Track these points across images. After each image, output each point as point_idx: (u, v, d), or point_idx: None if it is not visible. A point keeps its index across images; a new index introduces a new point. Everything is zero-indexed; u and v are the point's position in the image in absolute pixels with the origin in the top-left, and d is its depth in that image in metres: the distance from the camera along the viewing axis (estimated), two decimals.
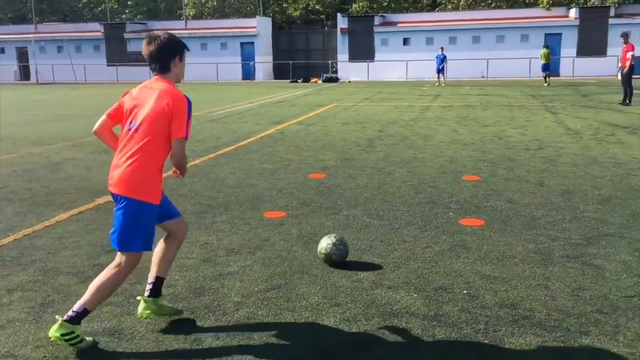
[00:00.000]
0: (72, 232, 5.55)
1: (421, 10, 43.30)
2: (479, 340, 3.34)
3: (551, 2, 38.43)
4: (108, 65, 43.27)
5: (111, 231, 3.43)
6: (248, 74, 41.11)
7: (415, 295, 3.97)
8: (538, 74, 35.92)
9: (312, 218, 5.91)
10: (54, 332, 3.26)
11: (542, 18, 37.62)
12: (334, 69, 39.91)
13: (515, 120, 13.64)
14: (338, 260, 4.53)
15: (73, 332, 3.25)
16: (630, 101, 17.11)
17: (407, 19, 39.75)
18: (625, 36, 17.57)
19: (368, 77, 37.63)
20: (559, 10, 38.16)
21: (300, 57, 42.52)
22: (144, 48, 3.42)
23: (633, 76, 17.44)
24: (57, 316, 3.35)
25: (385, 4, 45.30)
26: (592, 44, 36.02)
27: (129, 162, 3.31)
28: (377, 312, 3.72)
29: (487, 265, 4.51)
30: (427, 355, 3.22)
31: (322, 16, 50.12)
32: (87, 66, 42.63)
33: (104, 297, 3.42)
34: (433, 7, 44.48)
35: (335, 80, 36.21)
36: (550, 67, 28.49)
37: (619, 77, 18.70)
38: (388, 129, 12.64)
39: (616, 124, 12.66)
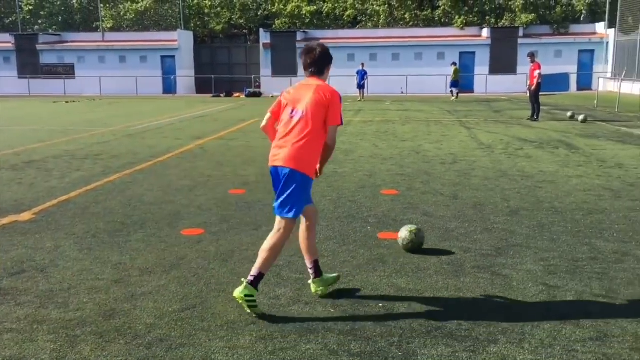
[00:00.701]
0: None
1: (342, 27, 44.02)
2: (394, 353, 3.39)
3: (465, 22, 40.10)
4: (19, 78, 41.33)
5: (276, 201, 4.09)
6: (169, 87, 40.39)
7: (332, 310, 3.99)
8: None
9: (231, 235, 5.84)
10: (239, 292, 3.86)
11: (457, 37, 39.17)
12: (257, 84, 39.88)
13: (432, 135, 14.07)
14: (418, 243, 5.17)
15: (252, 296, 3.87)
16: (537, 117, 18.04)
17: (329, 36, 40.31)
18: (532, 55, 18.53)
19: None
20: (472, 30, 39.85)
21: (222, 72, 42.22)
22: (305, 56, 4.14)
23: (540, 93, 18.42)
24: (242, 279, 3.97)
25: (307, 20, 45.79)
26: (503, 62, 37.81)
27: (298, 143, 3.97)
28: (294, 329, 3.70)
29: (403, 278, 4.60)
30: None
31: (245, 31, 50.08)
32: None
33: (272, 259, 4.07)
34: (354, 24, 45.34)
35: (259, 95, 36.16)
36: (459, 84, 29.88)
37: (527, 94, 19.68)
38: None
39: (525, 139, 13.30)
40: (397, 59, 38.45)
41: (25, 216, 6.59)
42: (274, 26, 44.19)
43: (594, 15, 40.76)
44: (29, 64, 41.28)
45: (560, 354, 3.36)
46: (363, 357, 3.36)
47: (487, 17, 41.45)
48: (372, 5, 43.29)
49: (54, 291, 4.35)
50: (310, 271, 4.27)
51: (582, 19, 40.98)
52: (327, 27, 44.51)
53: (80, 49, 40.77)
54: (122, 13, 45.33)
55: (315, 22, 45.57)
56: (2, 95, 38.49)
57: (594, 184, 8.21)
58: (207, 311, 3.99)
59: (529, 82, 18.71)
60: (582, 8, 40.01)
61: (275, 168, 4.07)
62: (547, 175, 8.85)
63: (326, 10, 45.49)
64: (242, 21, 48.03)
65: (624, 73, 30.60)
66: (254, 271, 3.99)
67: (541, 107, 18.50)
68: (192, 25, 46.21)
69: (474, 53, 38.37)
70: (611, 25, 37.47)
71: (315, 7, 45.81)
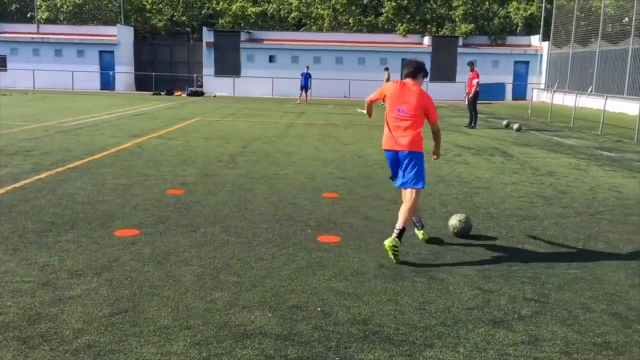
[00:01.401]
0: None
1: (287, 29, 43.97)
2: (331, 358, 3.35)
3: (407, 29, 40.79)
4: None
5: (402, 177, 5.52)
6: (107, 83, 39.26)
7: (269, 315, 3.92)
8: None
9: (167, 236, 5.69)
10: (389, 242, 5.05)
11: (399, 44, 39.77)
12: (199, 83, 39.30)
13: (374, 140, 14.19)
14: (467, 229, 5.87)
15: (397, 247, 5.05)
16: (475, 125, 18.50)
17: (274, 37, 40.19)
18: (472, 64, 19.01)
19: (234, 93, 37.47)
20: (414, 38, 40.57)
21: (163, 69, 41.39)
22: (408, 65, 5.72)
23: (478, 101, 18.91)
24: (395, 230, 5.15)
25: (252, 20, 45.48)
26: (443, 70, 38.61)
27: (411, 132, 5.46)
28: (230, 334, 3.62)
29: (342, 282, 4.58)
30: None
31: (188, 29, 49.27)
32: None
33: (410, 218, 5.41)
34: (298, 27, 45.37)
35: (201, 94, 35.63)
36: None
37: (465, 102, 20.15)
38: (251, 145, 12.60)
39: (463, 145, 13.60)
40: (340, 62, 38.69)
41: None
42: (217, 25, 43.67)
43: (530, 28, 42.22)
44: None
45: (493, 358, 3.41)
46: None
47: (429, 26, 42.30)
48: (317, 8, 43.43)
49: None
50: (417, 224, 5.83)
51: (518, 31, 42.39)
52: (272, 28, 44.36)
53: (12, 40, 39.09)
54: (59, 4, 43.71)
55: (259, 23, 45.31)
56: None
57: (528, 190, 8.46)
58: (139, 316, 3.85)
59: (467, 90, 19.16)
60: (519, 21, 41.38)
61: (395, 152, 5.56)
62: (483, 182, 9.06)
63: (271, 11, 45.34)
64: (184, 18, 47.23)
65: (555, 85, 31.84)
66: (398, 225, 5.18)
67: (478, 115, 18.97)
68: (133, 20, 45.13)
69: None
70: (545, 38, 38.93)
71: (260, 8, 45.59)
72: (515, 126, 17.90)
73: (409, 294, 4.36)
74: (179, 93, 35.72)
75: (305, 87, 30.03)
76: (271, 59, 38.79)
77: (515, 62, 39.43)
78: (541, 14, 39.43)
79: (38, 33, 39.91)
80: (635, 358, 3.50)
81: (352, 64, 38.61)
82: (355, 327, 3.77)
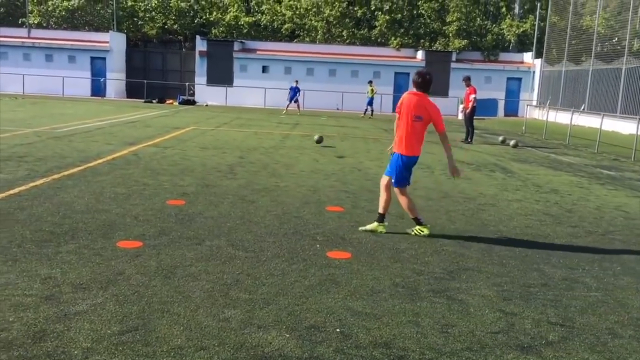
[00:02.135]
0: None
1: (280, 40, 43.90)
2: None
3: (400, 43, 40.90)
4: None
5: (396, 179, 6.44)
6: (98, 90, 38.93)
7: (287, 335, 3.73)
8: (388, 109, 38.03)
9: (172, 249, 5.48)
10: (417, 230, 6.43)
11: (392, 57, 39.85)
12: (191, 92, 39.06)
13: (372, 153, 14.08)
14: None
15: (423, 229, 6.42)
16: (471, 140, 18.45)
17: (267, 47, 40.11)
18: (468, 80, 18.99)
19: (226, 102, 37.28)
20: (407, 52, 40.68)
21: (155, 77, 41.12)
22: (417, 78, 6.49)
23: (474, 117, 18.88)
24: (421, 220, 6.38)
25: (245, 30, 45.40)
26: (436, 84, 38.34)
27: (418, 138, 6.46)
28: (248, 356, 3.42)
29: (358, 301, 4.40)
30: None
31: (180, 37, 49.09)
32: None
33: (412, 207, 6.53)
34: (291, 38, 45.34)
35: (193, 103, 35.40)
36: (372, 102, 30.80)
37: (459, 117, 20.12)
38: (249, 155, 12.42)
39: (462, 161, 13.49)
40: (333, 75, 38.67)
41: None
42: (210, 34, 43.51)
43: (523, 45, 42.51)
44: None
45: None
46: None
47: (422, 40, 42.46)
48: (311, 20, 43.45)
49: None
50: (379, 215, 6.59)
51: (511, 48, 42.64)
52: (264, 39, 44.29)
53: (2, 44, 38.67)
54: (51, 9, 43.36)
55: (252, 34, 45.26)
56: None
57: (534, 208, 8.34)
58: (151, 334, 3.64)
59: (463, 106, 19.11)
60: (512, 38, 41.64)
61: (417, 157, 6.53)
62: (487, 198, 8.94)
63: (264, 22, 45.30)
64: (177, 27, 47.05)
65: (548, 102, 32.00)
66: (412, 217, 6.54)
67: (475, 131, 18.93)
68: (125, 27, 44.83)
69: (408, 74, 39.06)
70: (538, 55, 39.20)
71: (253, 18, 45.54)
72: (512, 142, 17.87)
73: (429, 316, 4.19)
74: (171, 101, 35.47)
75: (292, 99, 29.83)
76: (264, 69, 38.68)
77: (508, 79, 39.64)
78: (534, 31, 39.73)
79: (29, 37, 39.54)
80: None
81: (345, 76, 38.60)
82: (378, 350, 3.59)
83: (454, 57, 39.33)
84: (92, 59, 39.16)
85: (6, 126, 15.79)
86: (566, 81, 34.71)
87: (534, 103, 38.65)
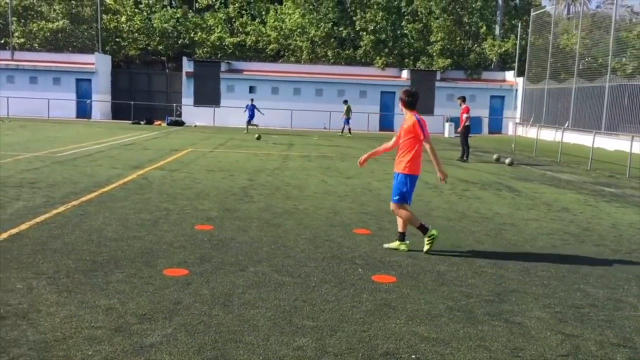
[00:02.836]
0: None
1: (264, 60, 44.10)
2: None
3: (385, 63, 41.38)
4: None
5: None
6: (84, 112, 38.66)
7: None
8: (375, 127, 38.37)
9: (219, 276, 5.49)
10: (396, 245, 6.77)
11: (378, 77, 40.30)
12: (178, 113, 38.97)
13: (376, 173, 14.20)
14: None
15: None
16: (467, 158, 18.70)
17: (254, 68, 40.29)
18: (463, 99, 19.29)
19: (214, 123, 37.26)
20: (392, 71, 41.18)
21: (141, 98, 40.97)
22: (410, 96, 6.99)
23: (469, 135, 19.15)
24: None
25: (229, 51, 45.57)
26: (421, 103, 38.64)
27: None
28: None
29: (421, 326, 4.45)
30: None
31: (164, 58, 49.06)
32: None
33: (407, 222, 6.75)
34: (276, 58, 45.60)
35: (181, 124, 35.32)
36: (349, 121, 30.98)
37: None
38: (257, 178, 12.44)
39: (465, 180, 13.68)
40: (320, 94, 38.92)
41: None
42: (194, 55, 43.55)
43: (505, 64, 43.30)
44: None
45: None
46: None
47: (406, 60, 43.01)
48: (295, 40, 43.78)
49: (49, 342, 3.85)
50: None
51: (492, 66, 43.38)
52: (249, 59, 44.46)
53: None
54: (34, 31, 43.07)
55: (237, 54, 45.44)
56: None
57: (553, 227, 8.49)
58: None
59: (460, 125, 19.37)
60: (494, 57, 42.39)
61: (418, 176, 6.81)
62: (504, 218, 9.07)
63: (249, 42, 45.52)
64: (161, 48, 47.04)
65: (531, 119, 32.54)
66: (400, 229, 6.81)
67: (469, 149, 19.18)
68: (108, 48, 44.68)
69: (394, 93, 39.51)
70: (520, 74, 39.94)
71: (237, 39, 45.74)
72: (507, 161, 18.15)
73: (495, 339, 4.25)
74: (159, 122, 35.36)
75: (251, 118, 30.05)
76: (251, 89, 38.80)
77: (491, 97, 40.28)
78: (516, 50, 40.50)
79: (12, 60, 39.22)
80: None
81: (331, 95, 38.89)
82: None
83: (438, 76, 39.89)
84: (78, 80, 38.96)
85: (4, 151, 15.61)
86: (549, 99, 35.38)
87: (517, 121, 39.31)
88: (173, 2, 51.60)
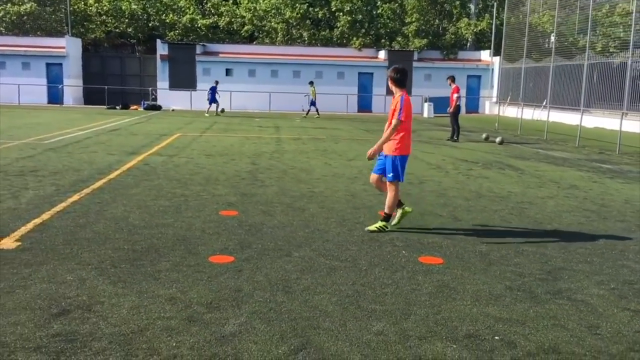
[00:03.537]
0: None
1: (238, 42, 43.43)
2: None
3: (362, 43, 41.22)
4: None
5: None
6: (55, 97, 37.65)
7: (454, 346, 3.73)
8: (354, 108, 38.30)
9: (266, 261, 5.38)
10: (374, 226, 6.65)
11: (355, 57, 40.13)
12: (154, 97, 38.24)
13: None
14: None
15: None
16: (457, 138, 18.79)
17: (229, 50, 39.71)
18: (452, 79, 19.33)
19: (191, 106, 36.70)
20: (369, 52, 41.03)
21: (113, 83, 40.01)
22: (399, 73, 6.58)
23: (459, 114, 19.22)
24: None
25: (202, 33, 44.80)
26: None
27: None
28: None
29: (489, 307, 4.43)
30: None
31: (133, 41, 48.00)
32: None
33: (394, 205, 6.67)
34: (250, 40, 45.02)
35: (158, 108, 34.68)
36: (315, 103, 30.83)
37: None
38: (259, 161, 12.28)
39: (464, 159, 13.74)
40: (298, 76, 38.59)
41: (8, 243, 5.68)
42: (166, 37, 42.65)
43: (480, 44, 43.54)
44: None
45: None
46: None
47: (383, 40, 42.91)
48: (270, 22, 43.26)
49: (126, 334, 3.71)
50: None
51: (468, 46, 43.61)
52: (222, 41, 43.79)
53: None
54: (1, 15, 41.62)
55: (209, 36, 44.70)
56: None
57: (571, 205, 8.58)
58: (323, 352, 3.57)
59: (450, 105, 19.41)
60: (469, 36, 42.57)
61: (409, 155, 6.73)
62: (519, 196, 9.13)
63: (223, 24, 44.81)
64: (130, 30, 45.99)
65: (509, 98, 32.83)
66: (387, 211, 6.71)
67: (460, 129, 19.27)
68: (75, 32, 43.43)
69: (372, 74, 39.50)
70: (496, 53, 40.22)
71: (210, 20, 44.98)
72: (498, 140, 18.30)
73: (567, 318, 4.26)
74: (136, 107, 34.67)
75: (212, 100, 29.68)
76: (228, 72, 38.27)
77: (468, 76, 40.50)
78: (491, 29, 40.75)
79: None
80: None
81: (309, 77, 38.43)
82: (552, 357, 3.62)
83: (415, 57, 39.92)
84: (48, 65, 37.86)
85: None
86: (526, 77, 35.75)
87: (494, 100, 39.69)
88: None
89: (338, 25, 42.54)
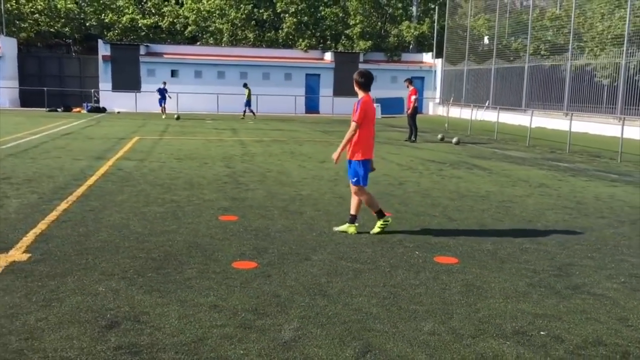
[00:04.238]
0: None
1: (179, 43, 42.67)
2: None
3: (308, 45, 41.40)
4: None
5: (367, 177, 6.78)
6: None
7: (507, 343, 3.89)
8: (301, 110, 38.41)
9: (289, 266, 5.42)
10: (345, 227, 6.78)
11: (302, 59, 40.26)
12: (96, 99, 37.10)
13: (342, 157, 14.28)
14: None
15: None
16: (415, 139, 19.22)
17: (174, 51, 39.03)
18: (410, 81, 19.76)
19: (136, 108, 35.83)
20: (316, 53, 41.28)
21: (52, 84, 38.53)
22: (363, 77, 6.70)
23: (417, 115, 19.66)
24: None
25: (143, 33, 43.84)
26: (346, 85, 39.41)
27: None
28: None
29: (521, 304, 4.63)
30: None
31: (69, 41, 46.42)
32: None
33: (360, 206, 6.82)
34: (194, 40, 44.38)
35: (103, 110, 33.69)
36: (250, 104, 31.09)
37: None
38: (233, 165, 12.20)
39: (430, 159, 14.10)
40: (245, 77, 38.32)
41: (17, 255, 5.47)
42: (106, 38, 41.47)
43: (421, 46, 44.54)
44: None
45: None
46: None
47: (328, 42, 43.23)
48: (215, 23, 42.79)
49: (188, 344, 3.68)
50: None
51: (410, 49, 44.52)
52: (163, 41, 42.94)
53: None
54: None
55: (150, 36, 43.77)
56: None
57: (549, 202, 8.99)
58: (389, 353, 3.66)
59: (407, 106, 19.83)
60: (411, 39, 43.48)
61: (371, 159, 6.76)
62: (499, 195, 9.48)
63: (165, 24, 43.99)
64: (67, 30, 44.45)
65: (451, 99, 33.82)
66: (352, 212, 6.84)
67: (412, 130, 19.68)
68: (8, 31, 41.56)
69: (318, 75, 39.74)
70: (438, 55, 41.29)
71: (152, 21, 44.08)
72: (454, 140, 18.82)
73: (596, 311, 4.50)
74: (78, 109, 33.55)
75: (162, 101, 29.49)
76: (173, 73, 37.62)
77: (412, 78, 41.29)
78: (432, 32, 41.77)
79: None
80: None
81: (257, 78, 38.43)
82: (599, 349, 3.83)
83: (361, 58, 40.43)
84: None
85: None
86: (469, 79, 36.90)
87: (437, 101, 40.76)
88: None
89: (283, 27, 42.55)
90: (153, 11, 44.97)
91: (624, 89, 24.26)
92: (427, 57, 42.37)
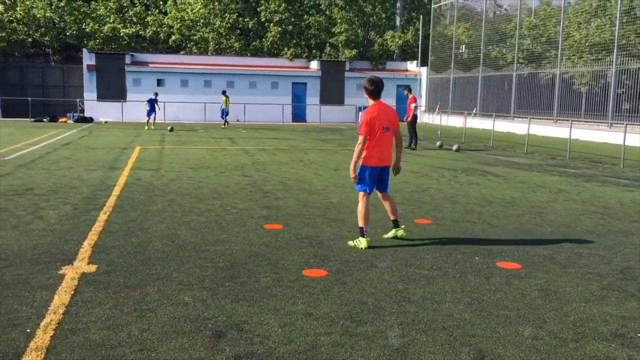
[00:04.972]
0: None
1: (162, 52, 42.32)
2: None
3: (294, 54, 41.48)
4: None
5: (384, 186, 6.78)
6: None
7: (613, 345, 3.95)
8: (288, 118, 38.38)
9: (359, 274, 5.42)
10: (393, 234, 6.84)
11: (288, 68, 40.31)
12: (81, 108, 36.61)
13: (348, 164, 14.32)
14: None
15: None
16: (415, 146, 19.37)
17: (159, 60, 38.75)
18: (409, 89, 19.94)
19: (122, 118, 35.45)
20: (302, 62, 41.37)
21: (34, 94, 37.90)
22: (373, 85, 6.48)
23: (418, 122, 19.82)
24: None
25: (124, 42, 43.43)
26: (332, 93, 39.79)
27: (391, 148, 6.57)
28: None
29: (604, 307, 4.69)
30: None
31: (48, 50, 45.77)
32: None
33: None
34: (177, 50, 44.10)
35: (89, 120, 33.26)
36: (227, 112, 31.29)
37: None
38: (250, 174, 12.15)
39: (439, 166, 14.22)
40: (232, 86, 38.22)
41: (84, 267, 5.38)
42: (86, 46, 40.95)
43: (406, 55, 44.94)
44: None
45: None
46: None
47: (313, 51, 43.37)
48: (199, 32, 42.61)
49: (304, 352, 3.67)
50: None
51: (395, 57, 44.89)
52: (146, 50, 42.56)
53: None
54: None
55: (132, 45, 43.39)
56: None
57: (578, 208, 9.12)
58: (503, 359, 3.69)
59: (407, 114, 19.99)
60: (395, 48, 43.86)
61: (383, 167, 6.56)
62: (525, 202, 9.59)
63: (149, 34, 43.67)
64: (46, 39, 43.82)
65: (437, 107, 34.16)
66: (394, 217, 6.82)
67: (412, 137, 19.83)
68: None
69: (305, 84, 39.81)
70: (423, 63, 41.71)
71: (133, 30, 43.70)
72: (455, 147, 19.01)
73: None
74: (65, 119, 33.08)
75: (150, 112, 29.30)
76: (159, 82, 37.32)
77: (397, 86, 41.64)
78: (418, 41, 42.21)
79: None
80: None
81: (243, 87, 38.37)
82: None
83: (347, 67, 40.63)
84: None
85: None
86: (455, 87, 37.33)
87: (423, 109, 41.12)
88: None
89: (268, 36, 42.56)
90: (135, 20, 44.61)
91: (613, 96, 24.80)
92: (412, 66, 42.76)
